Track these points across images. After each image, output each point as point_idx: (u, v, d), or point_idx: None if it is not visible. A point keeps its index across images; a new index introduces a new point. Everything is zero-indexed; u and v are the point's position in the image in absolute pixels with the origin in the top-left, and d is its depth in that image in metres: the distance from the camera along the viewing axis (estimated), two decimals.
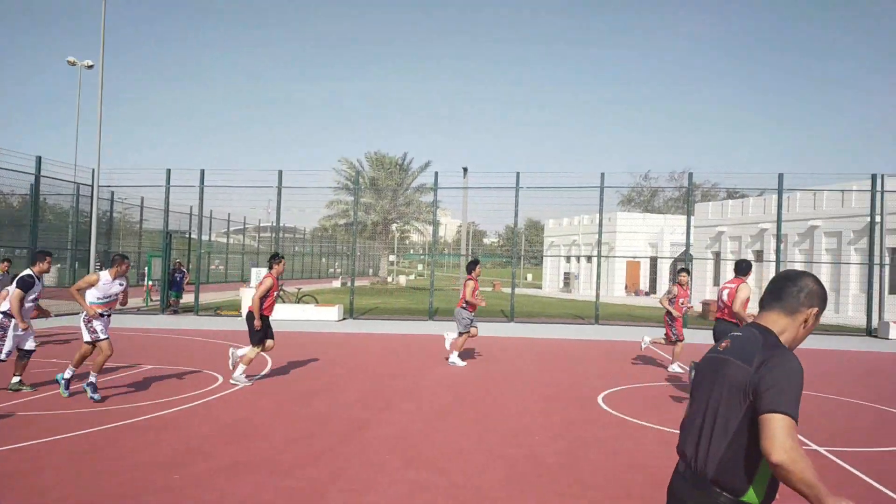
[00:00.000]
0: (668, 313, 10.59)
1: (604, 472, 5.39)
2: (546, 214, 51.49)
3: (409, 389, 8.66)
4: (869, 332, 18.16)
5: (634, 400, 8.34)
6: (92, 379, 7.41)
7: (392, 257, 69.12)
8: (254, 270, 25.92)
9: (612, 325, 19.11)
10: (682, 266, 10.50)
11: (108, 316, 7.72)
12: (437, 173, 20.65)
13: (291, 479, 4.98)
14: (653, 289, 42.84)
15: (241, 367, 8.68)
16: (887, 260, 24.84)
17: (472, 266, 11.34)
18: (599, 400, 8.25)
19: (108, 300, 7.63)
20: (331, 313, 18.55)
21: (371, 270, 63.35)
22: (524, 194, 19.68)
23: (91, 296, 7.54)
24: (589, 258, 43.12)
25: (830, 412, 7.90)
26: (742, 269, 8.08)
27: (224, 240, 46.10)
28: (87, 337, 7.54)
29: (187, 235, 28.00)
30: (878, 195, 18.86)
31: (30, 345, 7.87)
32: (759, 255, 31.27)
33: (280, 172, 19.46)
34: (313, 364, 10.59)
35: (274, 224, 21.12)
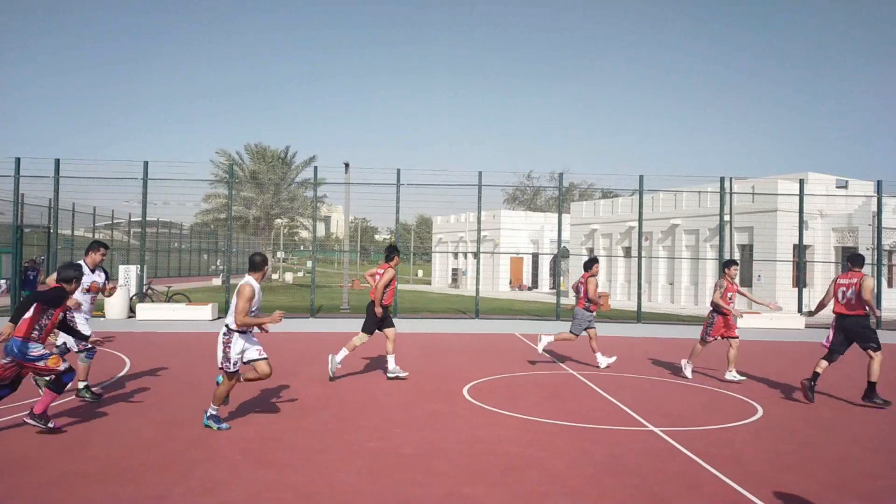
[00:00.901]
0: (713, 311, 9.62)
1: (459, 459, 5.55)
2: (435, 212, 52.06)
3: (275, 389, 8.47)
4: None
5: (497, 390, 8.65)
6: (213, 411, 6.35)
7: (280, 254, 67.15)
8: (121, 268, 24.32)
9: (490, 319, 19.69)
10: (729, 258, 10.59)
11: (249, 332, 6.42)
12: (316, 168, 20.43)
13: (132, 486, 4.73)
14: (535, 283, 44.55)
15: (391, 360, 9.02)
16: (737, 255, 27.32)
17: (590, 264, 10.35)
18: (465, 391, 8.47)
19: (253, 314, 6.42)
20: (204, 312, 17.74)
21: None
22: (410, 191, 19.85)
23: (246, 309, 6.27)
24: (475, 254, 44.12)
25: (667, 394, 8.60)
26: (860, 261, 8.21)
27: (91, 235, 42.77)
28: (223, 361, 6.31)
29: (47, 230, 25.75)
30: (727, 196, 20.76)
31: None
32: (628, 252, 33.34)
33: (146, 163, 18.39)
34: (175, 366, 10.11)
35: (143, 218, 19.86)
